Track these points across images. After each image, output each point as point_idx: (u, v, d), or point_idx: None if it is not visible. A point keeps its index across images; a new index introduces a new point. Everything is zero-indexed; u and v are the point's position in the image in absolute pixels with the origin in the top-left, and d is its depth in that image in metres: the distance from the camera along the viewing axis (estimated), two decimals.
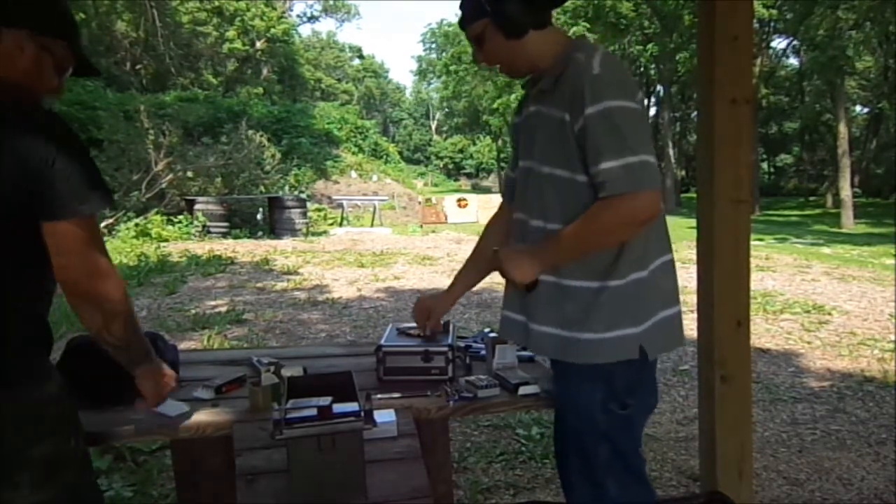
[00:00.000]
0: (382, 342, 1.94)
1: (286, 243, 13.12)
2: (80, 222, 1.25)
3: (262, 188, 17.51)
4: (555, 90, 1.52)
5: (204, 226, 13.87)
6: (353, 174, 23.43)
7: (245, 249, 11.71)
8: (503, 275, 1.62)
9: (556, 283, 1.55)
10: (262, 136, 19.21)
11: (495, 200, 20.59)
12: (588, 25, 27.00)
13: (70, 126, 1.29)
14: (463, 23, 1.62)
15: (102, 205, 1.28)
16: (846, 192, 22.45)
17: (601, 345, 1.51)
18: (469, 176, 58.96)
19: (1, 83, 1.26)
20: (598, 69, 1.44)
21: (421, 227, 18.08)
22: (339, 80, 54.44)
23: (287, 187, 18.84)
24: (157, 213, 13.75)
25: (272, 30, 35.32)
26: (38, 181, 1.20)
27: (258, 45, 35.62)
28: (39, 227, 1.23)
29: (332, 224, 17.98)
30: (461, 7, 1.61)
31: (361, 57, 63.86)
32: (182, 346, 3.59)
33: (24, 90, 1.29)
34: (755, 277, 5.28)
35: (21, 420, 1.24)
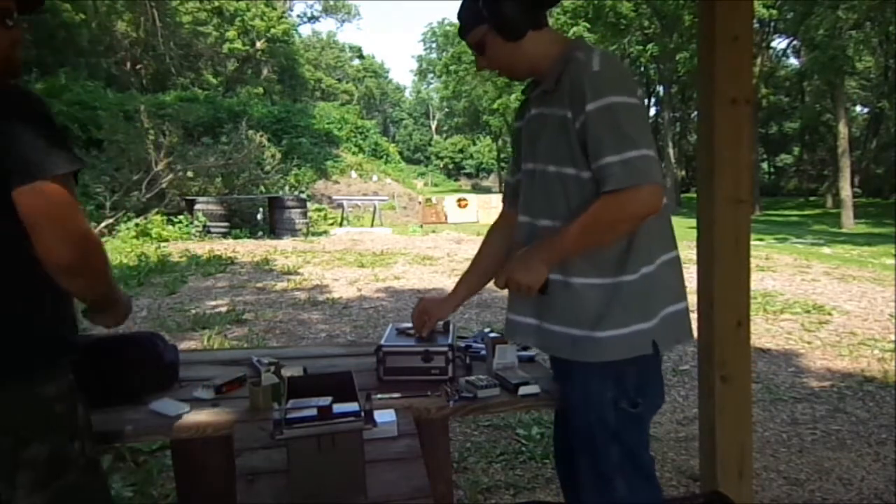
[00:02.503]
0: (382, 342, 1.94)
1: (286, 243, 13.11)
2: (45, 185, 1.12)
3: (262, 188, 17.52)
4: (556, 90, 1.53)
5: (204, 226, 13.87)
6: (354, 174, 23.45)
7: (245, 249, 11.71)
8: (515, 286, 1.57)
9: (566, 282, 1.54)
10: (262, 136, 19.21)
11: (495, 200, 20.72)
12: (588, 25, 27.02)
13: (31, 98, 1.20)
14: (462, 32, 1.62)
15: (67, 165, 1.16)
16: (846, 192, 22.45)
17: (617, 342, 1.51)
18: (469, 176, 59.00)
19: None
20: (598, 66, 1.47)
21: (421, 227, 18.08)
22: (339, 80, 54.46)
23: (287, 187, 18.85)
24: (157, 213, 13.74)
25: (272, 30, 35.34)
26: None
27: (258, 45, 35.64)
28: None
29: (332, 224, 17.99)
30: (459, 17, 1.62)
31: (361, 57, 63.87)
32: (182, 346, 3.59)
33: None
34: (755, 277, 5.27)
35: (17, 419, 1.20)
